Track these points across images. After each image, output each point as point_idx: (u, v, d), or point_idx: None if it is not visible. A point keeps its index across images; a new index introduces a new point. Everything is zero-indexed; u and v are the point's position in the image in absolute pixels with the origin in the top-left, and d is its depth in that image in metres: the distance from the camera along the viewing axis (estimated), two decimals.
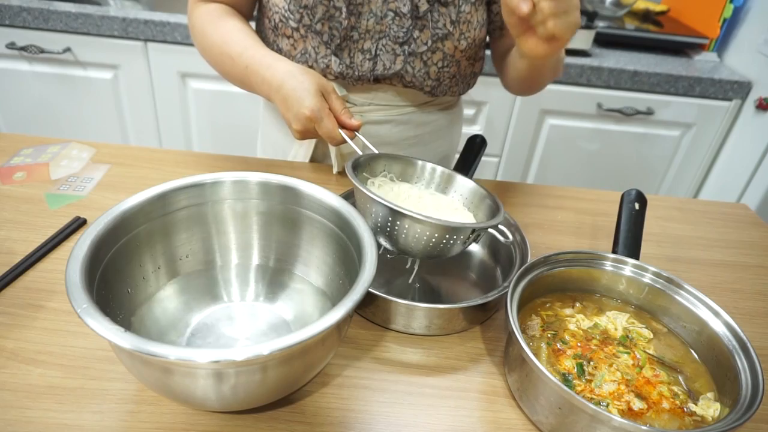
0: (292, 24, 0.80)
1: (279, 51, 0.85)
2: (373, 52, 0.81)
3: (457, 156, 0.86)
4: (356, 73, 0.82)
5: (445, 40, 0.81)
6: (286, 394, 0.51)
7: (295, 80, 0.72)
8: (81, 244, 0.47)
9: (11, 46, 1.53)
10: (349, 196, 0.74)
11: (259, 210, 0.62)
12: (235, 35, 0.80)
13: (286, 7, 0.79)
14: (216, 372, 0.42)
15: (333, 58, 0.81)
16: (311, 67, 0.83)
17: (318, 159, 0.94)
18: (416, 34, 0.80)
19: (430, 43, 0.80)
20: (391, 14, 0.78)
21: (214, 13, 0.83)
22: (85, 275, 0.45)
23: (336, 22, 0.78)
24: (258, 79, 0.76)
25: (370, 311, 0.63)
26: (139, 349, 0.38)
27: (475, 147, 0.83)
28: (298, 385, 0.51)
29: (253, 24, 0.87)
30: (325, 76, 0.83)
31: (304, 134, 0.74)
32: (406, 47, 0.81)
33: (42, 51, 1.53)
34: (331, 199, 0.59)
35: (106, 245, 0.50)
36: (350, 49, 0.81)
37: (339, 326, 0.46)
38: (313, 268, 0.62)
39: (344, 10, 0.77)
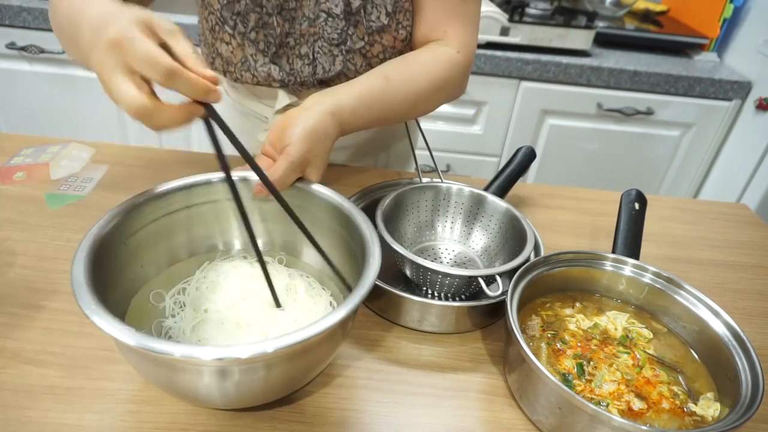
0: (228, 30, 0.76)
1: (219, 56, 0.80)
2: (311, 56, 0.78)
3: (417, 153, 0.83)
4: (298, 80, 0.79)
5: (382, 33, 0.76)
6: (290, 392, 0.51)
7: (118, 11, 0.48)
8: (83, 246, 0.47)
9: (11, 46, 1.53)
10: (365, 194, 0.74)
11: (262, 208, 0.62)
12: None
13: (220, 14, 0.75)
14: (220, 369, 0.42)
15: (272, 66, 0.78)
16: (253, 76, 0.79)
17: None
18: (351, 31, 0.75)
19: (366, 38, 0.76)
20: (324, 15, 0.74)
21: None
22: (89, 276, 0.44)
23: (270, 29, 0.75)
24: (78, 17, 0.53)
25: (377, 306, 0.63)
26: (144, 346, 0.38)
27: (523, 159, 0.78)
28: (302, 383, 0.51)
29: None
30: (269, 84, 0.80)
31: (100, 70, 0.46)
32: (342, 47, 0.77)
33: (42, 51, 1.53)
34: (334, 196, 0.59)
35: (110, 246, 0.50)
36: (288, 55, 0.78)
37: (343, 324, 0.46)
38: (318, 264, 0.62)
39: (277, 17, 0.73)
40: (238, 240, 0.64)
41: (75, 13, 0.54)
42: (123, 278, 0.53)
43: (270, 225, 0.63)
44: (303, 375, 0.49)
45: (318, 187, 0.61)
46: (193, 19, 1.51)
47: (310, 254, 0.62)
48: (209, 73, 0.47)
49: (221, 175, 0.52)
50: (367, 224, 0.55)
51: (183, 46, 0.47)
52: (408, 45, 0.80)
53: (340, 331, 0.49)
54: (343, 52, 0.77)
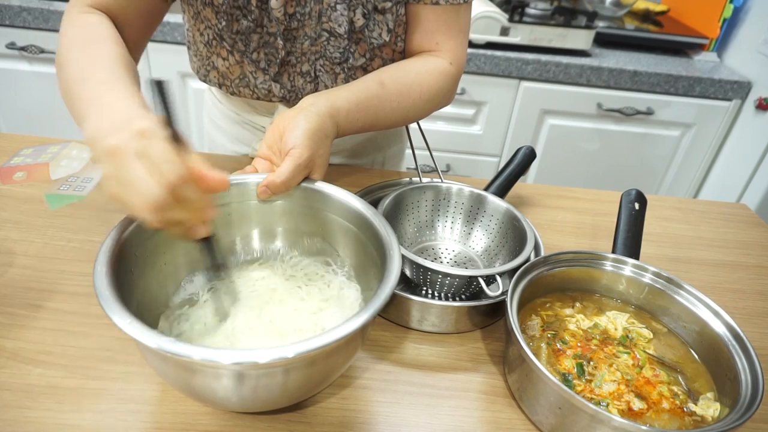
0: (227, 47, 0.76)
1: (215, 69, 0.80)
2: (313, 74, 0.78)
3: (408, 151, 0.83)
4: (299, 96, 0.78)
5: (383, 48, 0.77)
6: (309, 396, 0.51)
7: (142, 112, 0.49)
8: (102, 258, 0.46)
9: (11, 46, 1.53)
10: (365, 194, 0.74)
11: (283, 210, 0.62)
12: (107, 64, 0.62)
13: (218, 31, 0.74)
14: (238, 373, 0.41)
15: (273, 83, 0.78)
16: (252, 92, 0.79)
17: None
18: (353, 48, 0.76)
19: (367, 54, 0.77)
20: (326, 34, 0.74)
21: (94, 28, 0.66)
22: (112, 286, 0.44)
23: (272, 48, 0.75)
24: (99, 103, 0.54)
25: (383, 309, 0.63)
26: (163, 348, 0.38)
27: (523, 159, 0.78)
28: (321, 387, 0.51)
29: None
30: (270, 100, 0.80)
31: (111, 191, 0.46)
32: (344, 65, 0.77)
33: (42, 51, 1.53)
34: (353, 201, 0.59)
35: (127, 253, 0.49)
36: (289, 73, 0.78)
37: (363, 330, 0.45)
38: (336, 267, 0.63)
39: (280, 37, 0.73)
40: (257, 241, 0.63)
41: (88, 92, 0.58)
42: (143, 280, 0.52)
43: (294, 221, 0.63)
44: (322, 379, 0.48)
45: (330, 189, 0.60)
46: None
47: (340, 245, 0.62)
48: (218, 175, 0.48)
49: (245, 176, 0.59)
50: (382, 224, 0.55)
51: (193, 159, 0.47)
52: (403, 54, 0.81)
53: (360, 337, 0.48)
54: (345, 69, 0.78)
